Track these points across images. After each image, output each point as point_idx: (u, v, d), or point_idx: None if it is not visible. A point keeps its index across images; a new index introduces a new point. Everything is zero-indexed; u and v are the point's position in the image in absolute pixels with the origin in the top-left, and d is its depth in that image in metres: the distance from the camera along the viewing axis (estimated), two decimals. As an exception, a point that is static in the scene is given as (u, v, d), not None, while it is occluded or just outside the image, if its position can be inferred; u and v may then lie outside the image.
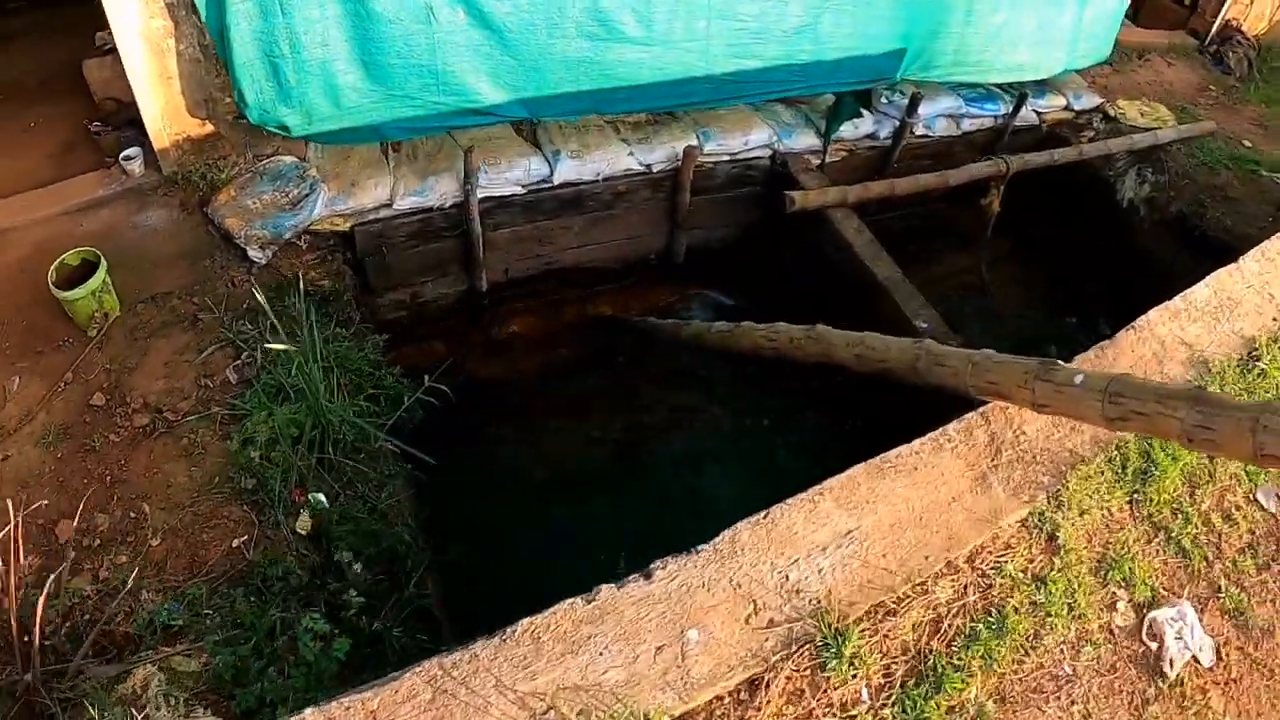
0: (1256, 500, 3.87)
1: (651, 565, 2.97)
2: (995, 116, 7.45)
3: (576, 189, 6.17)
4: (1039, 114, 7.77)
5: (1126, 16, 9.64)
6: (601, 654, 2.72)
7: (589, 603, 2.86)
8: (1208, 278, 4.75)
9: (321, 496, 4.31)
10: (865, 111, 6.93)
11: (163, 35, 4.85)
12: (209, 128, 5.40)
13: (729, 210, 6.78)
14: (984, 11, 6.57)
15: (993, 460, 3.56)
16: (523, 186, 6.05)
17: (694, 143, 6.36)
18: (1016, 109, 7.40)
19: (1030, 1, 6.77)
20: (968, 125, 7.39)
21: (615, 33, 5.38)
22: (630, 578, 2.93)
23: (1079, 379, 3.09)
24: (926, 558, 3.12)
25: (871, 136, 7.00)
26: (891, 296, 5.76)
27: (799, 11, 5.83)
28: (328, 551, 4.16)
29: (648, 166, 6.31)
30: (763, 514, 3.15)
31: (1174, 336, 4.38)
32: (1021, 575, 3.22)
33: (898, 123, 6.94)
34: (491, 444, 6.20)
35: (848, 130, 6.84)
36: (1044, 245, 8.03)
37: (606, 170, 6.20)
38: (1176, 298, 4.55)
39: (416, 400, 4.77)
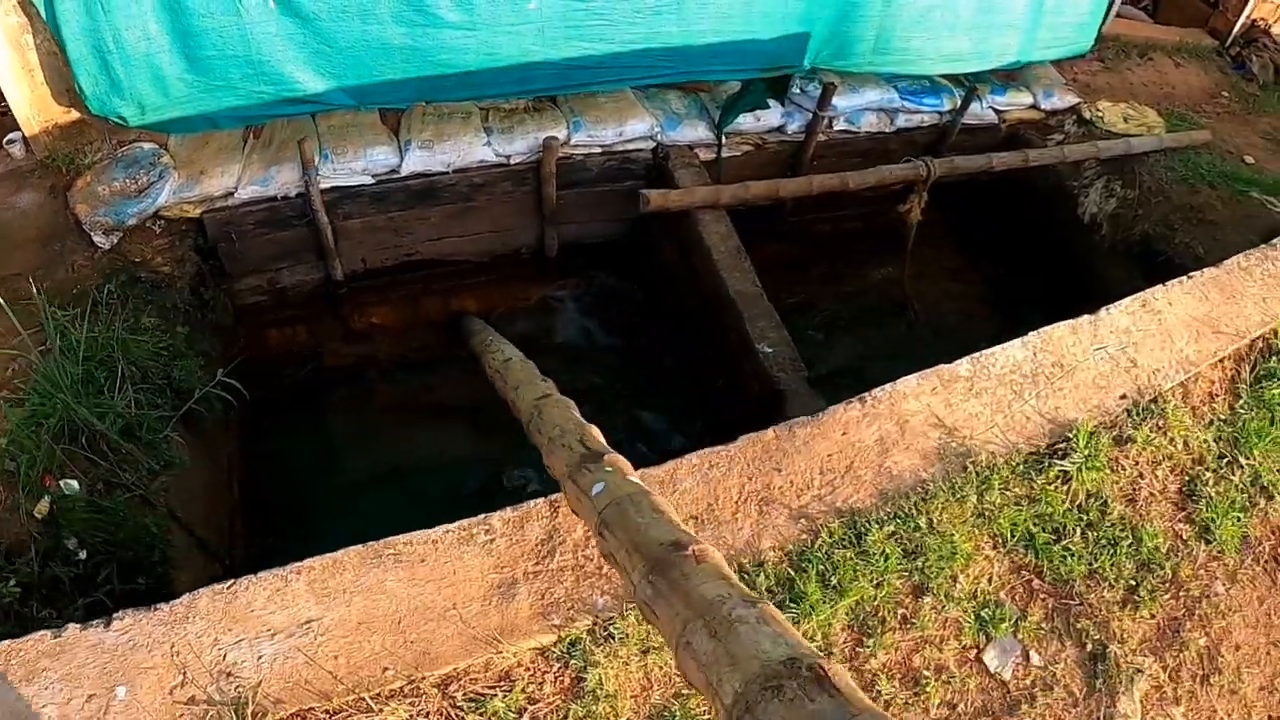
0: (981, 661, 2.98)
1: (115, 615, 2.75)
2: (938, 112, 6.58)
3: (428, 180, 5.70)
4: (999, 112, 6.84)
5: (1145, 10, 8.57)
6: (46, 689, 2.59)
7: (55, 638, 2.69)
8: (1033, 333, 3.92)
9: (74, 483, 4.20)
10: (774, 103, 6.20)
11: (19, 31, 4.95)
12: (75, 115, 5.43)
13: (607, 205, 6.13)
14: None
15: (536, 565, 2.84)
16: (372, 177, 5.63)
17: (560, 133, 5.79)
18: (964, 105, 6.51)
19: None
20: (904, 121, 6.53)
21: (432, 18, 4.99)
22: (94, 622, 2.72)
23: (598, 488, 2.32)
24: (385, 670, 2.56)
25: (779, 130, 6.25)
26: (739, 313, 5.12)
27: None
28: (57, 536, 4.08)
29: (506, 158, 5.77)
30: (228, 584, 2.74)
31: (928, 413, 3.48)
32: (514, 718, 2.55)
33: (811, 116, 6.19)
34: (324, 434, 5.94)
35: (747, 122, 6.10)
36: (990, 260, 7.13)
37: (458, 161, 5.68)
38: (961, 360, 3.70)
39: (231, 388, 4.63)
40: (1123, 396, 3.77)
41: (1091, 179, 6.76)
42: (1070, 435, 3.53)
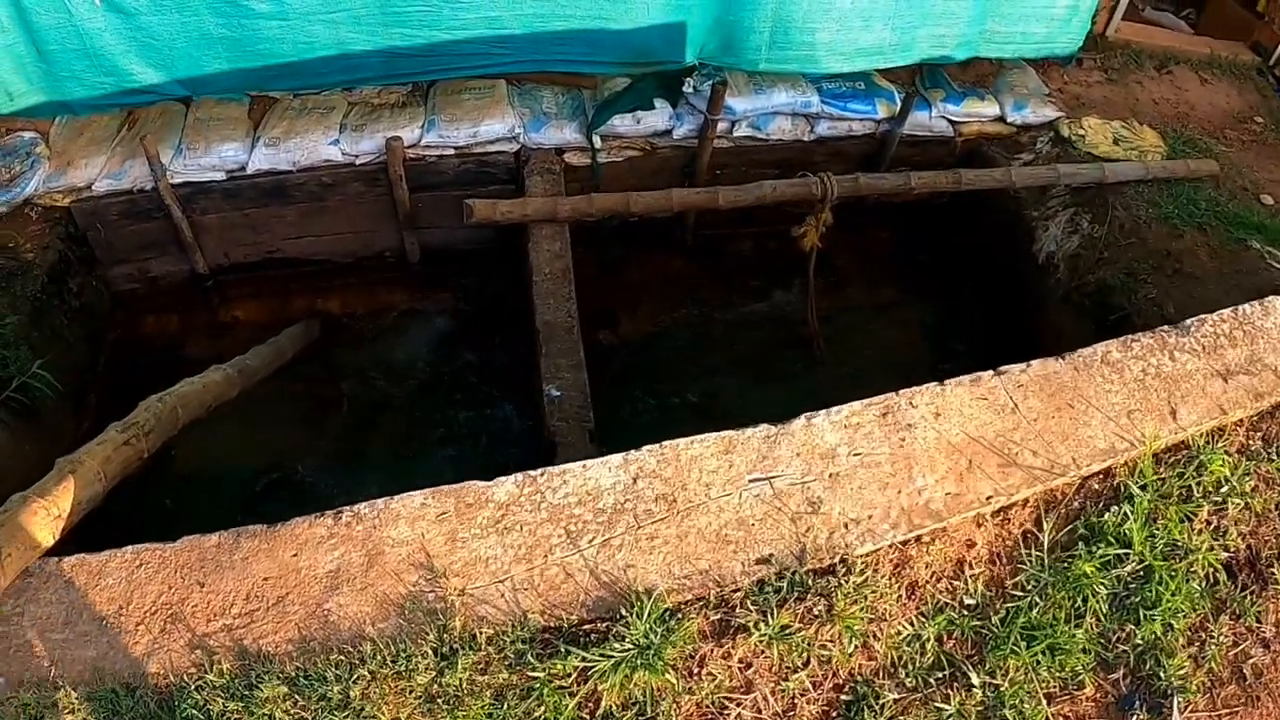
0: None
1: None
2: (871, 120, 5.68)
3: (276, 178, 5.38)
4: (954, 123, 5.86)
5: (1187, 20, 7.27)
6: None
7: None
8: (650, 447, 2.82)
9: None
10: (661, 104, 5.49)
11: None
12: (-38, 102, 5.59)
13: (468, 210, 5.64)
14: None
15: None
16: (223, 173, 5.40)
17: (412, 133, 5.31)
18: (903, 112, 5.58)
19: None
20: (827, 129, 5.66)
21: (243, 8, 4.77)
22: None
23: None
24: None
25: (665, 134, 5.53)
26: (539, 346, 4.50)
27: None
28: None
29: (354, 158, 5.35)
30: None
31: (418, 547, 2.58)
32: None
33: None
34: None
35: (624, 125, 5.41)
36: (931, 296, 6.14)
37: (304, 160, 5.29)
38: (505, 479, 2.72)
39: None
40: (763, 560, 2.63)
41: (1056, 210, 5.69)
42: (626, 612, 2.43)
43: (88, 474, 3.26)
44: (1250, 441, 3.47)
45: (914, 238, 6.13)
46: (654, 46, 5.04)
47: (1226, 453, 3.36)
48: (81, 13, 4.73)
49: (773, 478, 2.81)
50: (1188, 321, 3.67)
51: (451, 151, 5.36)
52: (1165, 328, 3.64)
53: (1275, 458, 3.38)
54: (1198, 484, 3.18)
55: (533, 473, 2.74)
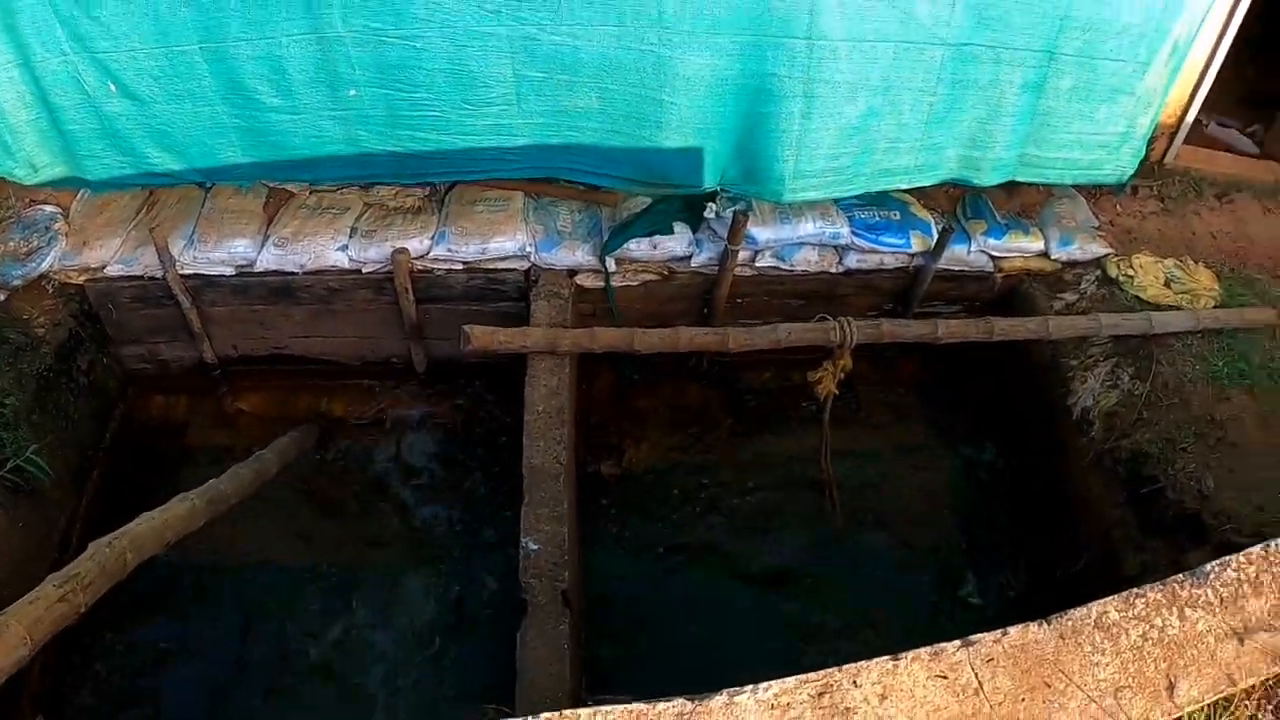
0: None
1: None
2: (905, 253, 5.39)
3: (285, 278, 5.30)
4: (993, 258, 5.53)
5: (1254, 138, 6.81)
6: None
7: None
8: None
9: None
10: (682, 228, 5.26)
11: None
12: (-9, 172, 5.74)
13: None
14: (832, 99, 4.65)
15: None
16: (232, 268, 5.34)
17: (422, 243, 5.16)
18: (939, 246, 5.28)
19: (911, 80, 4.70)
20: (856, 262, 5.38)
21: (254, 100, 4.66)
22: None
23: None
24: None
25: (683, 260, 5.30)
26: (523, 492, 4.31)
27: (498, 93, 4.49)
28: None
29: (360, 265, 5.23)
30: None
31: None
32: None
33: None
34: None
35: (640, 249, 5.19)
36: (963, 445, 5.79)
37: (310, 263, 5.20)
38: None
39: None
40: None
41: (1096, 359, 5.34)
42: None
43: (10, 640, 3.14)
44: (1260, 713, 3.13)
45: (943, 374, 5.82)
46: (670, 169, 4.81)
47: (1228, 732, 3.03)
48: (99, 96, 4.73)
49: None
50: (1206, 567, 3.26)
51: (460, 266, 5.21)
52: (1179, 577, 3.24)
53: (1293, 733, 3.04)
54: (1184, 778, 2.85)
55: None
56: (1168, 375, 5.13)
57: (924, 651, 2.85)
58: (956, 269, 5.46)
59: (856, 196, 5.37)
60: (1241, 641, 3.09)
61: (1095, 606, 3.04)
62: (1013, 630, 2.94)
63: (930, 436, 5.78)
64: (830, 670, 2.69)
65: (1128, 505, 4.91)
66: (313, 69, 4.45)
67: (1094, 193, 5.83)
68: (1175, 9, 4.93)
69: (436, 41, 4.35)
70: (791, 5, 4.34)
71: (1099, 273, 5.56)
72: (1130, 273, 5.50)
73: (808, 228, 5.25)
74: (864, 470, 5.51)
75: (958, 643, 2.88)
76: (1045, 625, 2.98)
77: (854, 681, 2.73)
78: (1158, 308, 5.33)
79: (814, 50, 4.53)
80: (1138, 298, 5.42)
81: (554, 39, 4.34)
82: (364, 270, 5.21)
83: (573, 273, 5.27)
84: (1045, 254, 5.53)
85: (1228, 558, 3.36)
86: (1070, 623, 3.00)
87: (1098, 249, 5.56)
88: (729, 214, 5.14)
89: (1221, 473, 4.76)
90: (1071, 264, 5.58)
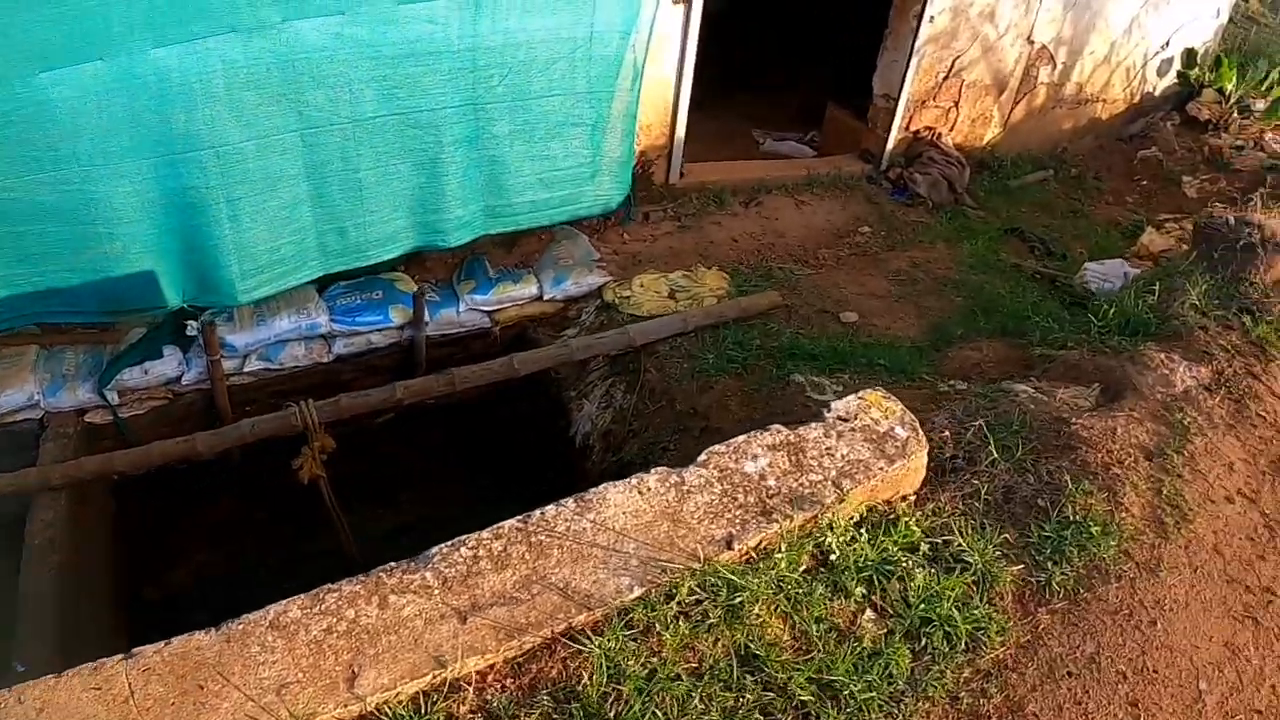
0: None
1: None
2: (388, 329, 5.53)
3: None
4: (487, 313, 5.67)
5: (813, 145, 7.12)
6: None
7: None
8: None
9: None
10: (172, 349, 5.41)
11: None
12: None
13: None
14: (254, 198, 4.83)
15: None
16: None
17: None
18: (417, 316, 5.43)
19: (330, 163, 4.93)
20: (345, 347, 5.52)
21: None
22: None
23: None
24: None
25: (175, 380, 5.41)
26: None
27: None
28: None
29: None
30: None
31: None
32: None
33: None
34: None
35: (135, 378, 5.31)
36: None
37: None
38: None
39: None
40: None
41: (594, 384, 5.41)
42: None
43: None
44: (495, 698, 3.01)
45: (474, 434, 5.85)
46: (131, 296, 4.93)
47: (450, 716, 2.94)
48: None
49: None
50: (432, 550, 3.22)
51: (-20, 423, 5.33)
52: (389, 565, 3.19)
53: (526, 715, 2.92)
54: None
55: None
56: (654, 381, 5.20)
57: (87, 666, 2.88)
58: (454, 332, 5.59)
59: (343, 282, 5.58)
60: (464, 620, 3.03)
61: (275, 607, 3.05)
62: (176, 640, 2.95)
63: (470, 498, 5.77)
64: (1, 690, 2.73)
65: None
66: None
67: (599, 226, 6.01)
68: (607, 37, 5.20)
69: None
70: (189, 120, 4.55)
71: (599, 301, 5.68)
72: (627, 294, 5.63)
73: (284, 324, 5.39)
74: (397, 541, 5.48)
75: (120, 656, 2.90)
76: (212, 631, 2.98)
77: (19, 699, 2.75)
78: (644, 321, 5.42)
79: (222, 157, 4.75)
80: (634, 315, 5.51)
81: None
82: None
83: (81, 412, 5.37)
84: (539, 297, 5.66)
85: (466, 536, 3.31)
86: (241, 626, 3.00)
87: (595, 280, 5.71)
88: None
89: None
90: (572, 300, 5.71)
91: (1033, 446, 4.17)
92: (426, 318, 5.52)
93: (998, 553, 3.55)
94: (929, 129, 6.74)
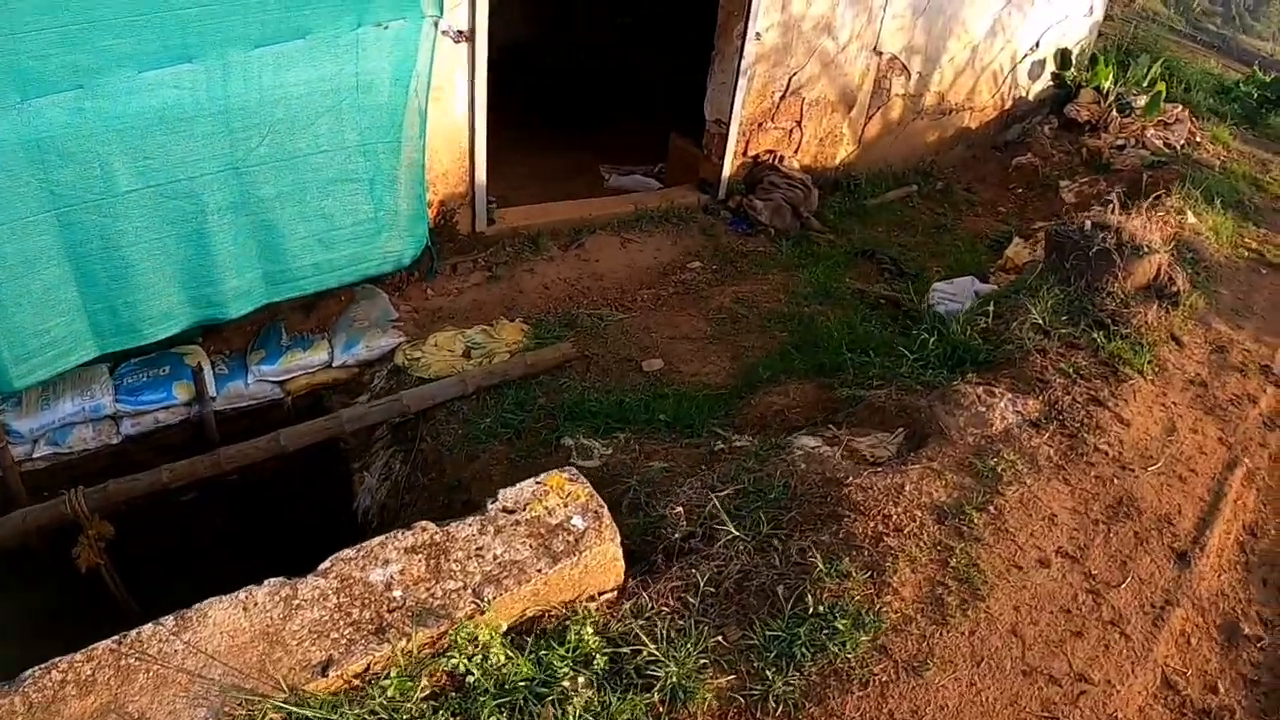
0: None
1: None
2: (173, 406, 5.35)
3: None
4: (278, 383, 5.46)
5: (658, 178, 6.85)
6: None
7: None
8: None
9: None
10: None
11: None
12: None
13: None
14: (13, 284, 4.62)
15: None
16: None
17: None
18: (199, 391, 5.25)
19: (85, 245, 4.74)
20: (132, 427, 5.36)
21: None
22: None
23: None
24: None
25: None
26: None
27: None
28: None
29: None
30: None
31: None
32: None
33: (-7, 449, 5.22)
34: None
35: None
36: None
37: None
38: None
39: None
40: None
41: (378, 455, 5.17)
42: None
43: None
44: None
45: (266, 509, 5.63)
46: None
47: None
48: None
49: None
50: (27, 672, 2.93)
51: None
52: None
53: None
54: None
55: None
56: (429, 451, 4.95)
57: None
58: (246, 404, 5.40)
59: (135, 359, 5.44)
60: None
61: None
62: None
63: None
64: None
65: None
66: None
67: (401, 282, 5.79)
68: (377, 86, 5.01)
69: None
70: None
71: (392, 364, 5.44)
72: (418, 355, 5.40)
73: (68, 407, 5.26)
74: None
75: None
76: None
77: None
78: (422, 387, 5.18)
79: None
80: (421, 378, 5.27)
81: None
82: None
83: None
84: (330, 364, 5.45)
85: (60, 658, 3.08)
86: None
87: (389, 341, 5.49)
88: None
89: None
90: (366, 364, 5.49)
91: (790, 517, 3.74)
92: (212, 392, 5.34)
93: (704, 660, 3.01)
94: (770, 152, 6.41)
